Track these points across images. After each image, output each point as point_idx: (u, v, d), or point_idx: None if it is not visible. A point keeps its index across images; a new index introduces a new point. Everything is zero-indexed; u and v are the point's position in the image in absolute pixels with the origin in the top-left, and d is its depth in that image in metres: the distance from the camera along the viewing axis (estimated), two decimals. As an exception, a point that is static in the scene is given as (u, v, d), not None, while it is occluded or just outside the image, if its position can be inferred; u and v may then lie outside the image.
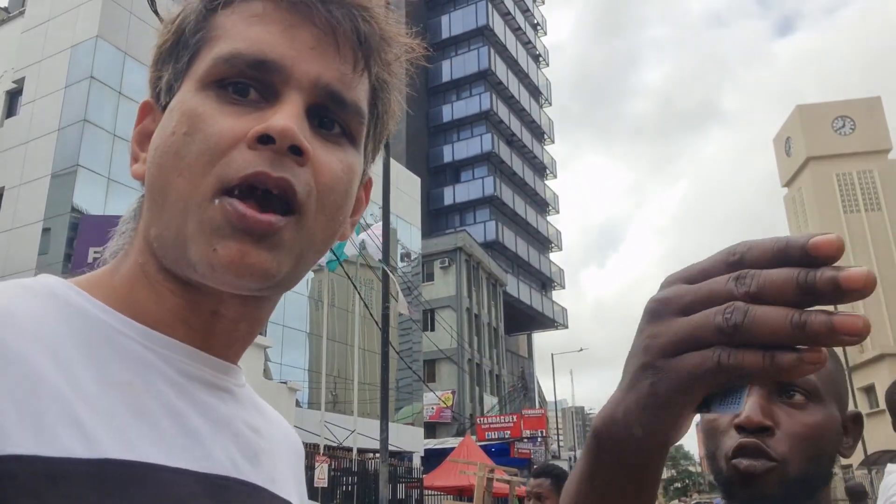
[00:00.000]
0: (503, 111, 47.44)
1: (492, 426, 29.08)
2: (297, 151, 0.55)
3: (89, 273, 0.61)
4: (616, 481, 0.48)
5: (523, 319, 47.85)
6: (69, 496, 0.45)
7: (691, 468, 74.43)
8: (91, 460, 0.47)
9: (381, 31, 0.63)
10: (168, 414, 0.55)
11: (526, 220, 49.18)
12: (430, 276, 35.96)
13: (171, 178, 0.56)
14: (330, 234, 0.61)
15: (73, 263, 13.47)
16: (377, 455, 15.26)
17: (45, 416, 0.47)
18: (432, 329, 33.60)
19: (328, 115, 0.60)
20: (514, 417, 29.26)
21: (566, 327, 52.57)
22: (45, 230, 17.10)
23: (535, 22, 56.03)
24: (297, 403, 19.08)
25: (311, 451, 15.13)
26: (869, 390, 32.76)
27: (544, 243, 53.13)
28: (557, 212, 55.71)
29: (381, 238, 13.25)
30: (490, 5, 47.40)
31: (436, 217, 45.18)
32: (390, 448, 12.12)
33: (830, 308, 0.37)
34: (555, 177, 55.81)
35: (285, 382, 18.17)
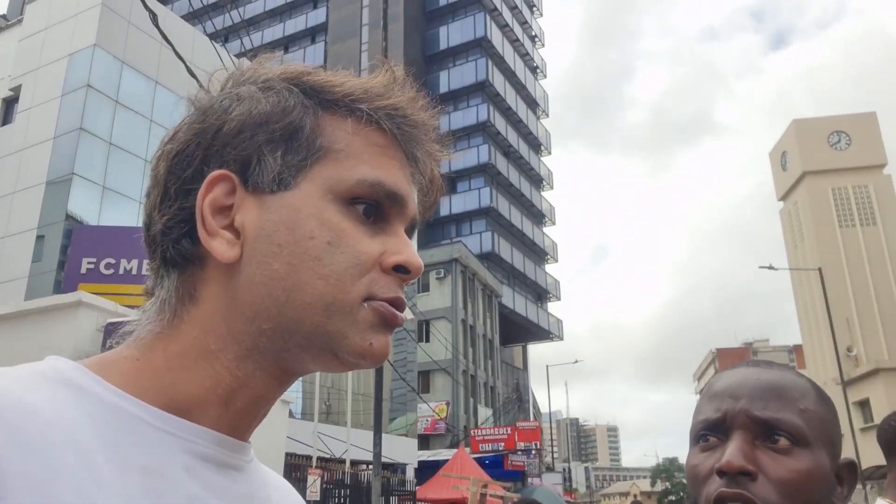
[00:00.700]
0: (500, 122, 47.56)
1: (486, 438, 28.88)
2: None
3: (100, 355, 0.63)
4: None
5: (518, 331, 47.82)
6: None
7: (686, 481, 74.40)
8: None
9: (438, 158, 0.72)
10: (185, 499, 0.57)
11: (522, 232, 49.23)
12: (425, 287, 35.90)
13: (310, 279, 0.61)
14: None
15: (65, 272, 13.48)
16: (370, 467, 15.17)
17: None
18: (427, 340, 33.55)
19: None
20: (509, 429, 29.07)
21: (561, 339, 52.54)
22: (39, 237, 17.07)
23: (533, 34, 56.29)
24: (291, 414, 18.97)
25: (303, 463, 15.05)
26: (863, 404, 32.70)
27: (540, 255, 53.16)
28: (553, 223, 55.79)
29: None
30: (488, 17, 47.60)
31: (432, 228, 45.16)
32: (383, 460, 12.07)
33: None
34: (551, 188, 55.93)
35: (279, 393, 18.05)
